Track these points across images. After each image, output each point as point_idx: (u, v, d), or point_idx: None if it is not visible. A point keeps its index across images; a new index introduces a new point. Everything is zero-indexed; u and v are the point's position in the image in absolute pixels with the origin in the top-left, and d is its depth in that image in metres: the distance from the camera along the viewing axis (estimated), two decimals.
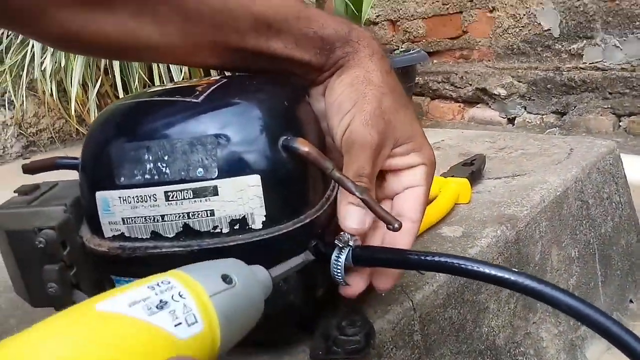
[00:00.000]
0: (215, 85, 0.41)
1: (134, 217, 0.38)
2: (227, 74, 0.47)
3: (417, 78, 1.93)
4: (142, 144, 0.38)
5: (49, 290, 0.39)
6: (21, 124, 1.40)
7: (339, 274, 0.41)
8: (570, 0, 1.77)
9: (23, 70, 1.22)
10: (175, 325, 0.23)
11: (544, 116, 1.88)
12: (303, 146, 0.38)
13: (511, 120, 1.96)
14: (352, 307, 0.45)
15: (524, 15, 1.92)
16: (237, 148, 0.37)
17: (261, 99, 0.40)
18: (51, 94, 1.12)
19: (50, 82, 1.08)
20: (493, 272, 0.36)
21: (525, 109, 1.94)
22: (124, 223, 0.38)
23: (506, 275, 0.35)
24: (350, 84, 0.41)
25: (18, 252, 0.40)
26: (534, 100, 1.90)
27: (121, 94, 1.03)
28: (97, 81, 1.16)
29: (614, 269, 0.78)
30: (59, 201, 0.42)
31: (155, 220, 0.38)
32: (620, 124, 1.72)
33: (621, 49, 1.68)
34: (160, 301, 0.24)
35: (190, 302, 0.25)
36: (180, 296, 0.25)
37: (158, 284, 0.25)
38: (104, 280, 0.40)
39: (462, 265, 0.36)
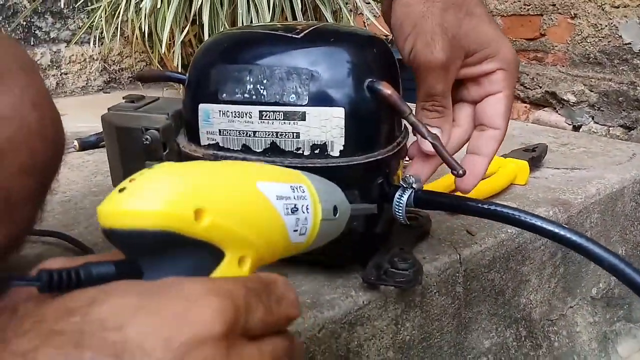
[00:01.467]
0: (315, 27, 0.45)
1: (230, 130, 0.43)
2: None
3: None
4: (245, 66, 0.42)
5: None
6: (107, 60, 1.49)
7: (400, 213, 0.45)
8: None
9: (117, 9, 1.29)
10: (294, 230, 0.28)
11: (610, 128, 1.85)
12: (386, 89, 0.42)
13: (576, 128, 1.93)
14: (404, 248, 0.49)
15: (606, 26, 1.87)
16: (328, 82, 0.42)
17: (354, 43, 0.45)
18: (142, 35, 1.19)
19: (143, 23, 1.15)
20: (544, 225, 0.39)
21: (592, 119, 1.90)
22: (220, 134, 0.43)
23: (556, 230, 0.38)
24: (407, 3, 0.41)
25: (124, 147, 0.46)
26: (602, 110, 1.87)
27: None
28: (183, 29, 1.21)
29: None
30: (162, 110, 0.47)
31: (248, 134, 0.43)
32: None
33: None
34: (294, 206, 0.28)
35: (310, 219, 0.29)
36: (307, 210, 0.28)
37: (296, 188, 0.28)
38: None
39: (516, 215, 0.40)
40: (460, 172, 0.42)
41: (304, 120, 0.42)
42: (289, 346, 0.25)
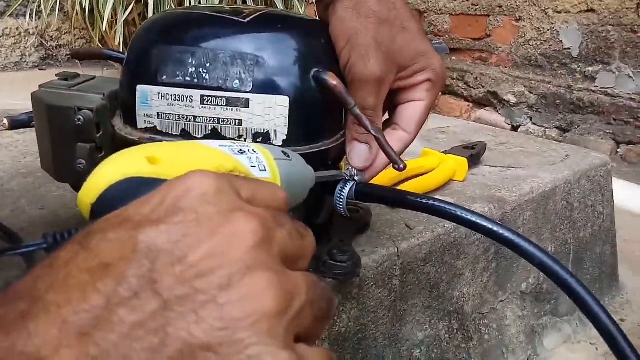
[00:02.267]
0: (263, 12, 0.44)
1: (169, 114, 0.41)
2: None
3: None
4: (188, 48, 0.41)
5: (78, 165, 0.43)
6: (44, 35, 1.42)
7: (341, 205, 0.45)
8: (594, 25, 1.80)
9: None
10: (252, 166, 0.29)
11: (547, 129, 1.93)
12: (332, 79, 0.42)
13: (515, 128, 2.00)
14: (344, 240, 0.50)
15: (548, 30, 1.95)
16: (273, 70, 0.41)
17: (302, 32, 0.44)
18: (83, 11, 1.14)
19: None
20: (480, 221, 0.40)
21: (530, 120, 1.98)
22: (158, 117, 0.42)
23: (491, 226, 0.39)
24: (342, 18, 0.42)
25: (55, 128, 0.43)
26: (540, 112, 1.95)
27: None
28: (127, 7, 1.17)
29: (584, 273, 0.83)
30: (97, 90, 0.45)
31: (188, 119, 0.41)
32: (619, 150, 1.76)
33: (634, 80, 1.72)
34: (240, 149, 0.29)
35: (261, 157, 0.30)
36: (254, 151, 0.30)
37: (234, 143, 0.30)
38: None
39: (453, 211, 0.41)
40: (402, 166, 0.42)
41: (247, 107, 0.41)
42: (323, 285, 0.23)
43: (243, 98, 0.41)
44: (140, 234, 0.19)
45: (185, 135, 0.41)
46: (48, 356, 0.17)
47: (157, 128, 0.42)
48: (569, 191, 0.79)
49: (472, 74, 2.10)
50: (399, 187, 0.65)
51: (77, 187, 0.48)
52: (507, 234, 0.39)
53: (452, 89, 2.16)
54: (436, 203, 0.41)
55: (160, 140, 0.41)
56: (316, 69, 0.42)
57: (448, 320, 0.61)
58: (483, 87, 2.08)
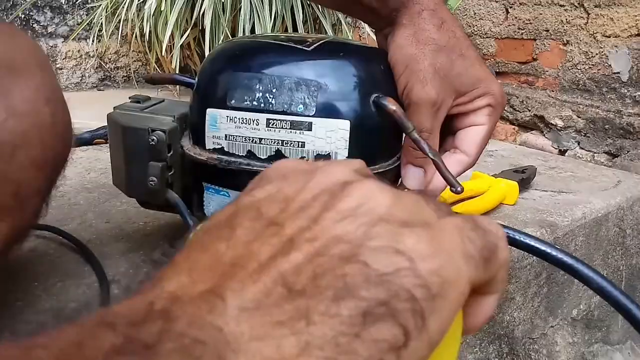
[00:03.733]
0: (324, 40, 0.46)
1: (236, 135, 0.44)
2: (329, 33, 0.53)
3: None
4: (256, 75, 0.43)
5: (150, 182, 0.45)
6: (103, 57, 1.50)
7: None
8: None
9: (118, 8, 1.29)
10: None
11: (595, 154, 1.89)
12: (391, 105, 0.43)
13: (562, 152, 1.97)
14: None
15: (597, 54, 1.92)
16: (335, 95, 0.43)
17: (362, 59, 0.46)
18: (143, 36, 1.20)
19: (144, 23, 1.15)
20: (537, 244, 0.40)
21: (578, 144, 1.94)
22: (225, 139, 0.44)
23: (548, 249, 0.40)
24: (400, 45, 0.44)
25: (129, 147, 0.46)
26: (589, 137, 1.91)
27: (206, 48, 1.10)
28: (184, 32, 1.22)
29: (637, 300, 0.81)
30: (168, 112, 0.48)
31: (253, 141, 0.43)
32: None
33: None
34: None
35: None
36: None
37: None
38: (196, 185, 0.47)
39: (510, 234, 0.41)
40: (459, 189, 0.43)
41: (310, 130, 0.43)
42: None
43: (306, 122, 0.43)
44: None
45: (251, 156, 0.44)
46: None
47: (224, 149, 0.44)
48: (621, 217, 0.77)
49: (517, 97, 2.09)
50: (452, 208, 0.66)
51: (145, 203, 0.51)
52: (564, 257, 0.39)
53: None
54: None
55: (227, 161, 0.44)
56: (376, 95, 0.44)
57: (498, 344, 0.61)
58: (529, 110, 2.06)
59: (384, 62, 0.46)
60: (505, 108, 2.12)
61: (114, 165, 0.50)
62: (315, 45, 0.45)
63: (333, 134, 0.43)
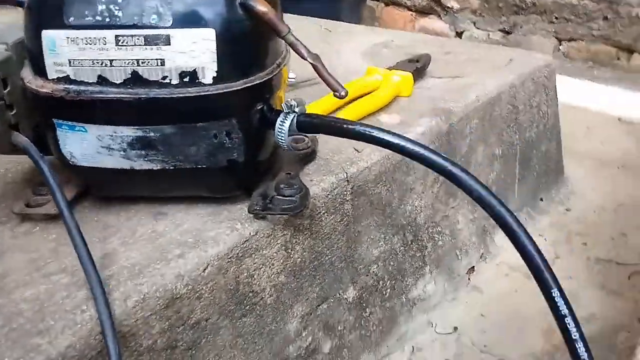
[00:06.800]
0: None
1: (81, 60, 0.38)
2: None
3: None
4: None
5: None
6: None
7: (283, 139, 0.43)
8: None
9: None
10: None
11: (490, 33, 1.92)
12: (261, 6, 0.38)
13: (459, 34, 1.98)
14: (291, 173, 0.48)
15: None
16: (195, 0, 0.37)
17: None
18: None
19: None
20: (421, 150, 0.39)
21: (474, 24, 1.96)
22: (70, 65, 0.38)
23: (432, 156, 0.38)
24: None
25: None
26: (484, 16, 1.92)
27: None
28: None
29: (530, 170, 0.85)
30: (0, 39, 0.41)
31: (104, 64, 0.38)
32: (561, 47, 1.78)
33: None
34: None
35: None
36: None
37: None
38: (46, 123, 0.41)
39: (393, 141, 0.39)
40: (342, 93, 0.40)
41: (169, 44, 0.37)
42: None
43: (163, 34, 0.37)
44: None
45: (103, 82, 0.38)
46: None
47: (71, 77, 0.38)
48: (514, 95, 0.78)
49: None
50: (343, 110, 0.63)
51: None
52: (450, 166, 0.38)
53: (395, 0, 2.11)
54: (374, 132, 0.40)
55: (76, 90, 0.38)
56: None
57: (402, 234, 0.61)
58: None
59: None
60: None
61: None
62: None
63: (197, 47, 0.38)
